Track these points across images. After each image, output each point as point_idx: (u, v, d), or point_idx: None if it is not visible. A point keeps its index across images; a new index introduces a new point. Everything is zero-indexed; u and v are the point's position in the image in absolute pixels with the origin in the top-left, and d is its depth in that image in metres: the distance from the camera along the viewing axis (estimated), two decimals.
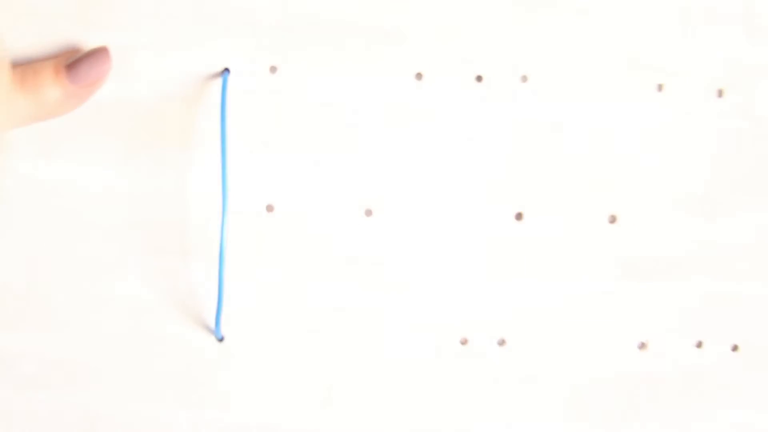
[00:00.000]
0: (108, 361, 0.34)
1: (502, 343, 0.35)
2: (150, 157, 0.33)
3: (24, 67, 0.30)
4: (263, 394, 0.35)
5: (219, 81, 0.33)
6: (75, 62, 0.30)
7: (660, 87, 0.34)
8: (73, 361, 0.34)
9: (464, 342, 0.35)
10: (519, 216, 0.35)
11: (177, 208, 0.33)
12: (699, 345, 0.36)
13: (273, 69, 0.33)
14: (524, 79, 0.34)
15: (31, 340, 0.34)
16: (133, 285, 0.34)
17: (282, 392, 0.35)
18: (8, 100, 0.29)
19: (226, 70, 0.33)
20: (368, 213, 0.34)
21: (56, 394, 0.34)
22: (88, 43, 0.32)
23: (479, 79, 0.34)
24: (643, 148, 0.34)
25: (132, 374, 0.34)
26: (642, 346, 0.36)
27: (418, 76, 0.33)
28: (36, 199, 0.33)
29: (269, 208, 0.34)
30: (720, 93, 0.34)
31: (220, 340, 0.34)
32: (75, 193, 0.33)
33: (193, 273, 0.34)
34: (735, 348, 0.36)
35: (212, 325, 0.34)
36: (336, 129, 0.33)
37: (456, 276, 0.35)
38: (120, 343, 0.34)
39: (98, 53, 0.31)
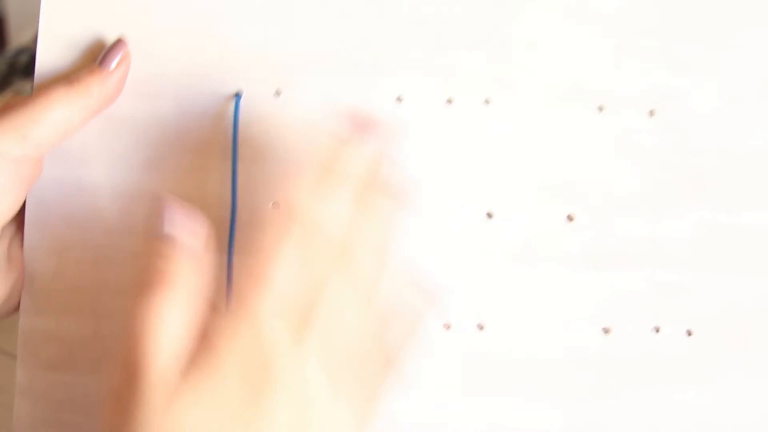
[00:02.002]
0: None
1: (480, 328, 0.39)
2: (171, 164, 0.38)
3: (69, 78, 0.36)
4: None
5: (232, 102, 0.39)
6: (103, 56, 0.37)
7: (600, 108, 0.40)
8: (97, 345, 0.37)
9: (447, 327, 0.39)
10: (489, 215, 0.40)
11: (195, 208, 0.38)
12: (657, 330, 0.40)
13: (277, 92, 0.39)
14: (487, 102, 0.40)
15: (58, 325, 0.37)
16: None
17: None
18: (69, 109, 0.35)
19: (239, 92, 0.39)
20: None
21: (80, 376, 0.37)
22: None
23: (449, 101, 0.40)
24: (590, 159, 0.40)
25: None
26: (605, 331, 0.40)
27: (398, 99, 0.40)
28: (68, 198, 0.38)
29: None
30: (651, 113, 0.41)
31: None
32: (104, 194, 0.38)
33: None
34: (689, 333, 0.40)
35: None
36: (329, 142, 0.39)
37: (437, 267, 0.39)
38: None
39: (118, 42, 0.37)
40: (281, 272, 0.29)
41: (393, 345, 0.33)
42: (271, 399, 0.27)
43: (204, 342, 0.27)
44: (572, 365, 0.39)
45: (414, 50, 0.40)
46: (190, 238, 0.29)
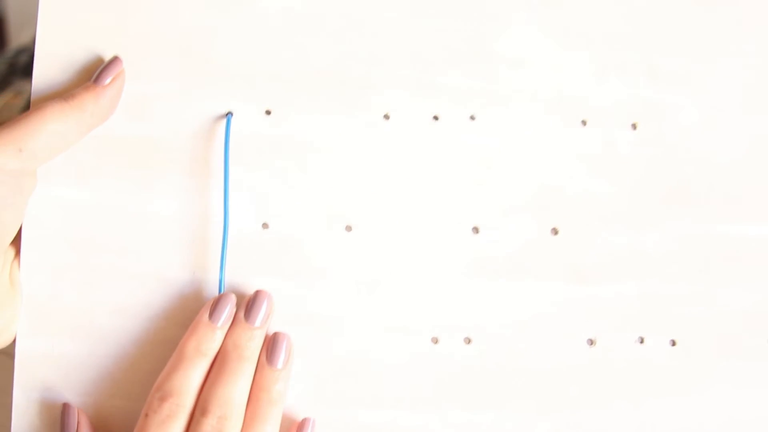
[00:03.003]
0: (122, 364, 0.39)
1: (468, 341, 0.40)
2: (164, 184, 0.39)
3: (65, 95, 0.37)
4: None
5: (223, 121, 0.39)
6: (98, 73, 0.38)
7: (584, 122, 0.41)
8: (93, 366, 0.38)
9: (435, 341, 0.40)
10: (476, 229, 0.40)
11: (186, 227, 0.39)
12: (641, 341, 0.41)
13: (268, 111, 0.40)
14: (472, 118, 0.41)
15: (53, 345, 0.38)
16: (145, 294, 0.39)
17: None
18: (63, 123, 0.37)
19: (230, 112, 0.40)
20: (348, 228, 0.40)
21: (76, 397, 0.38)
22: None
23: (436, 118, 0.41)
24: (575, 172, 0.41)
25: (145, 376, 0.39)
26: (591, 342, 0.40)
27: (386, 116, 0.41)
28: (65, 219, 0.39)
29: (264, 226, 0.40)
30: (634, 126, 0.41)
31: None
32: (99, 214, 0.39)
33: (198, 282, 0.39)
34: (673, 343, 0.41)
35: None
36: (319, 159, 0.40)
37: (425, 283, 0.40)
38: (134, 346, 0.39)
39: (113, 60, 0.38)
40: None
41: None
42: None
43: None
44: (559, 377, 0.40)
45: (401, 68, 0.40)
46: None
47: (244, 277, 0.39)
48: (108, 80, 0.38)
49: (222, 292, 0.38)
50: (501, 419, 0.40)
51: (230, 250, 0.39)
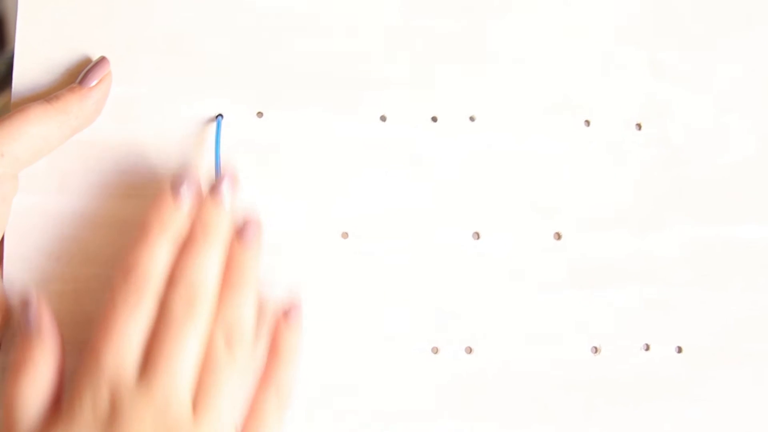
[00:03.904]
0: None
1: (469, 351, 0.39)
2: (153, 190, 0.37)
3: (48, 97, 0.36)
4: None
5: (213, 124, 0.38)
6: (84, 75, 0.36)
7: (587, 122, 0.40)
8: None
9: (435, 351, 0.39)
10: (476, 235, 0.39)
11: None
12: (647, 348, 0.39)
13: (259, 114, 0.38)
14: (472, 119, 0.40)
15: None
16: None
17: None
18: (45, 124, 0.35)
19: (220, 115, 0.38)
20: (344, 235, 0.38)
21: None
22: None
23: (434, 119, 0.39)
24: (578, 174, 0.40)
25: None
26: (595, 350, 0.39)
27: (383, 118, 0.39)
28: (48, 228, 0.37)
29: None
30: (639, 126, 0.40)
31: None
32: (84, 223, 0.37)
33: None
34: (679, 350, 0.40)
35: None
36: (313, 163, 0.38)
37: (424, 290, 0.39)
38: None
39: (99, 61, 0.37)
40: (124, 323, 0.33)
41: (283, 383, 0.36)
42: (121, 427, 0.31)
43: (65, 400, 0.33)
44: (563, 385, 0.39)
45: (396, 69, 0.39)
46: (38, 325, 0.34)
47: None
48: (94, 82, 0.36)
49: None
50: (504, 429, 0.39)
51: None
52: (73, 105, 0.36)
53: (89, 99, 0.36)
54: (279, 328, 0.36)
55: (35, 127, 0.35)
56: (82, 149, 0.37)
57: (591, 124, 0.40)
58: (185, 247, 0.34)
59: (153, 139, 0.38)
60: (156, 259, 0.34)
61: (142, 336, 0.33)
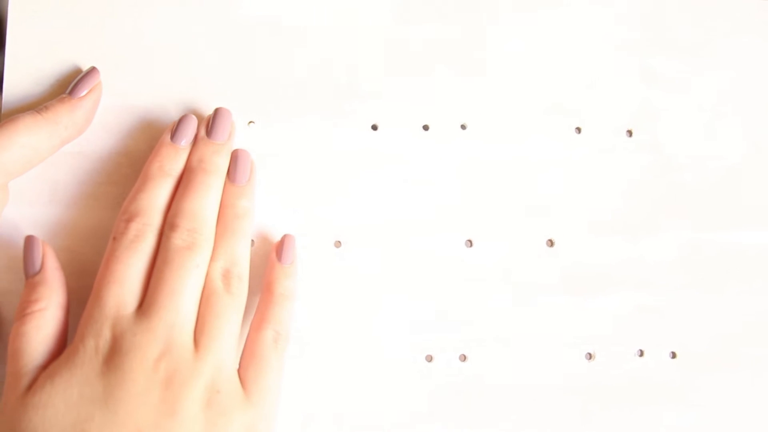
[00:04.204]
0: None
1: (463, 358, 0.39)
2: None
3: (38, 107, 0.35)
4: None
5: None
6: (74, 85, 0.36)
7: (578, 129, 0.40)
8: None
9: (430, 359, 0.38)
10: (469, 243, 0.39)
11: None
12: (641, 354, 0.39)
13: (251, 123, 0.38)
14: (464, 127, 0.40)
15: None
16: None
17: None
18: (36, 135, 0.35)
19: None
20: (338, 244, 0.38)
21: None
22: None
23: (426, 128, 0.39)
24: (570, 180, 0.40)
25: None
26: (589, 356, 0.39)
27: (374, 126, 0.39)
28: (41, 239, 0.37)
29: (251, 242, 0.38)
30: (630, 133, 0.40)
31: None
32: (77, 233, 0.37)
33: None
34: (673, 355, 0.39)
35: None
36: (305, 171, 0.38)
37: (417, 298, 0.38)
38: None
39: (89, 71, 0.37)
40: (124, 264, 0.33)
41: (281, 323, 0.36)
42: (122, 367, 0.31)
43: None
44: (557, 391, 0.39)
45: (389, 77, 0.39)
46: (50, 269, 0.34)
47: None
48: (84, 92, 0.36)
49: None
50: None
51: None
52: (63, 115, 0.36)
53: (79, 109, 0.36)
54: (273, 267, 0.37)
55: (25, 137, 0.35)
56: (72, 160, 0.37)
57: (582, 131, 0.40)
58: (183, 186, 0.35)
59: (144, 150, 0.37)
60: (157, 201, 0.35)
61: (142, 274, 0.34)
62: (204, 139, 0.36)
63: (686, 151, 0.40)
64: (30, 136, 0.35)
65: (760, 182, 0.41)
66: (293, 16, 0.39)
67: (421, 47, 0.39)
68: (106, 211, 0.37)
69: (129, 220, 0.34)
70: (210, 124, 0.36)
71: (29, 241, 0.35)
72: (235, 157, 0.37)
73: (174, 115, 0.38)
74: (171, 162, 0.36)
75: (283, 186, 0.38)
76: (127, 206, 0.35)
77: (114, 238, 0.34)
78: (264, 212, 0.38)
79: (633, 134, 0.40)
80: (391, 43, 0.39)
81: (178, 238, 0.34)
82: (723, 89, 0.41)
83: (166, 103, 0.38)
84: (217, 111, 0.37)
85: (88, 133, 0.37)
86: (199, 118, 0.37)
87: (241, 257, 0.35)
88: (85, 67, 0.37)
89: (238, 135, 0.38)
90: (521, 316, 0.39)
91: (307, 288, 0.38)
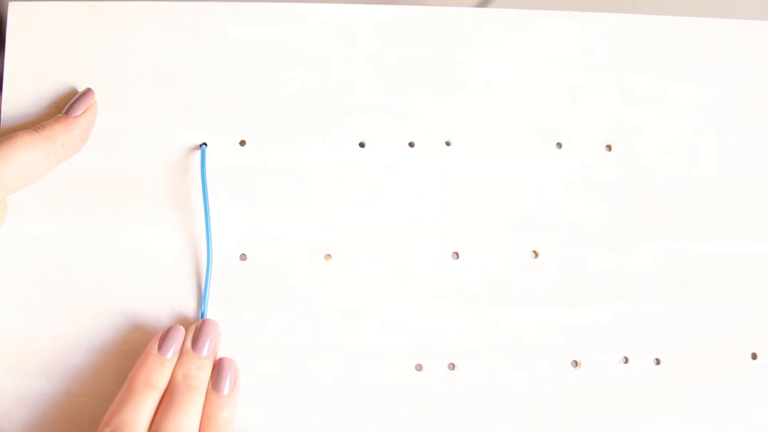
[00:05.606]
0: (101, 402, 0.37)
1: (452, 367, 0.39)
2: (138, 218, 0.38)
3: (36, 126, 0.37)
4: (239, 424, 0.38)
5: (197, 153, 0.39)
6: (70, 105, 0.38)
7: (559, 145, 0.41)
8: (70, 403, 0.37)
9: (419, 368, 0.39)
10: (456, 255, 0.40)
11: (161, 261, 0.38)
12: (626, 361, 0.40)
13: (242, 142, 0.40)
14: (448, 143, 0.41)
15: (29, 385, 0.37)
16: (122, 330, 0.38)
17: (257, 422, 0.38)
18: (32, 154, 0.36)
19: (204, 144, 0.39)
20: (328, 257, 0.39)
21: None
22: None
23: (411, 144, 0.41)
24: (551, 194, 0.41)
25: None
26: (575, 363, 0.40)
27: (362, 144, 0.40)
28: (35, 255, 0.38)
29: (242, 257, 0.39)
30: (609, 147, 0.42)
31: None
32: (73, 250, 0.38)
33: (177, 316, 0.38)
34: (657, 361, 0.40)
35: None
36: (296, 188, 0.40)
37: (406, 310, 0.39)
38: (113, 384, 0.37)
39: (85, 92, 0.38)
40: None
41: None
42: None
43: None
44: (545, 399, 0.39)
45: (375, 96, 0.40)
46: None
47: (224, 309, 0.38)
48: (79, 111, 0.38)
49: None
50: None
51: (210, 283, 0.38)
52: (60, 133, 0.37)
53: (75, 128, 0.37)
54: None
55: (23, 154, 0.36)
56: (69, 179, 0.38)
57: (563, 146, 0.41)
58: (167, 402, 0.35)
59: (138, 168, 0.39)
60: (141, 415, 0.34)
61: None
62: (189, 353, 0.36)
63: (664, 164, 0.42)
64: (28, 152, 0.36)
65: (735, 194, 0.42)
66: (280, 37, 0.40)
67: (406, 67, 0.41)
68: (102, 227, 0.38)
69: None
70: (195, 335, 0.37)
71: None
72: (219, 366, 0.37)
73: (167, 135, 0.39)
74: (157, 374, 0.35)
75: (274, 202, 0.39)
76: (110, 417, 0.34)
77: None
78: (254, 228, 0.39)
79: (612, 149, 0.42)
80: (377, 63, 0.41)
81: None
82: (697, 105, 0.42)
83: (159, 123, 0.39)
84: (202, 323, 0.37)
85: (85, 152, 0.38)
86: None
87: None
88: (81, 88, 0.39)
89: (229, 153, 0.39)
90: (508, 326, 0.40)
91: (298, 300, 0.39)
